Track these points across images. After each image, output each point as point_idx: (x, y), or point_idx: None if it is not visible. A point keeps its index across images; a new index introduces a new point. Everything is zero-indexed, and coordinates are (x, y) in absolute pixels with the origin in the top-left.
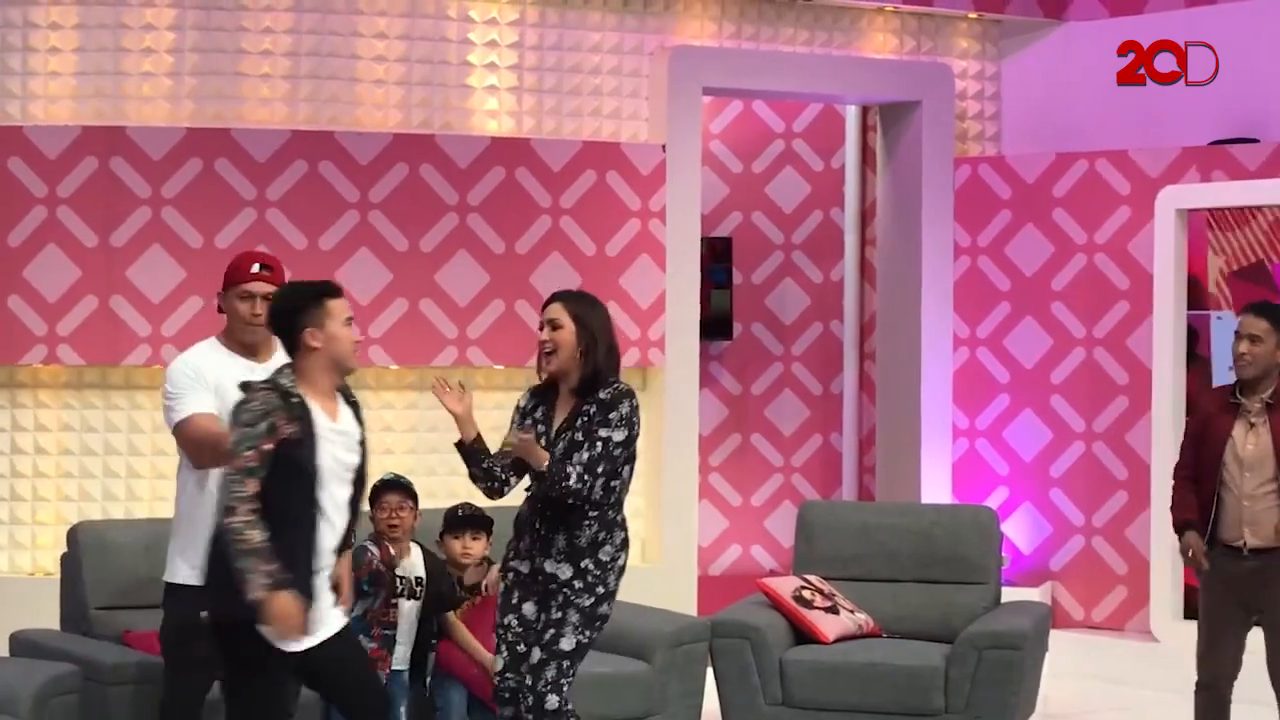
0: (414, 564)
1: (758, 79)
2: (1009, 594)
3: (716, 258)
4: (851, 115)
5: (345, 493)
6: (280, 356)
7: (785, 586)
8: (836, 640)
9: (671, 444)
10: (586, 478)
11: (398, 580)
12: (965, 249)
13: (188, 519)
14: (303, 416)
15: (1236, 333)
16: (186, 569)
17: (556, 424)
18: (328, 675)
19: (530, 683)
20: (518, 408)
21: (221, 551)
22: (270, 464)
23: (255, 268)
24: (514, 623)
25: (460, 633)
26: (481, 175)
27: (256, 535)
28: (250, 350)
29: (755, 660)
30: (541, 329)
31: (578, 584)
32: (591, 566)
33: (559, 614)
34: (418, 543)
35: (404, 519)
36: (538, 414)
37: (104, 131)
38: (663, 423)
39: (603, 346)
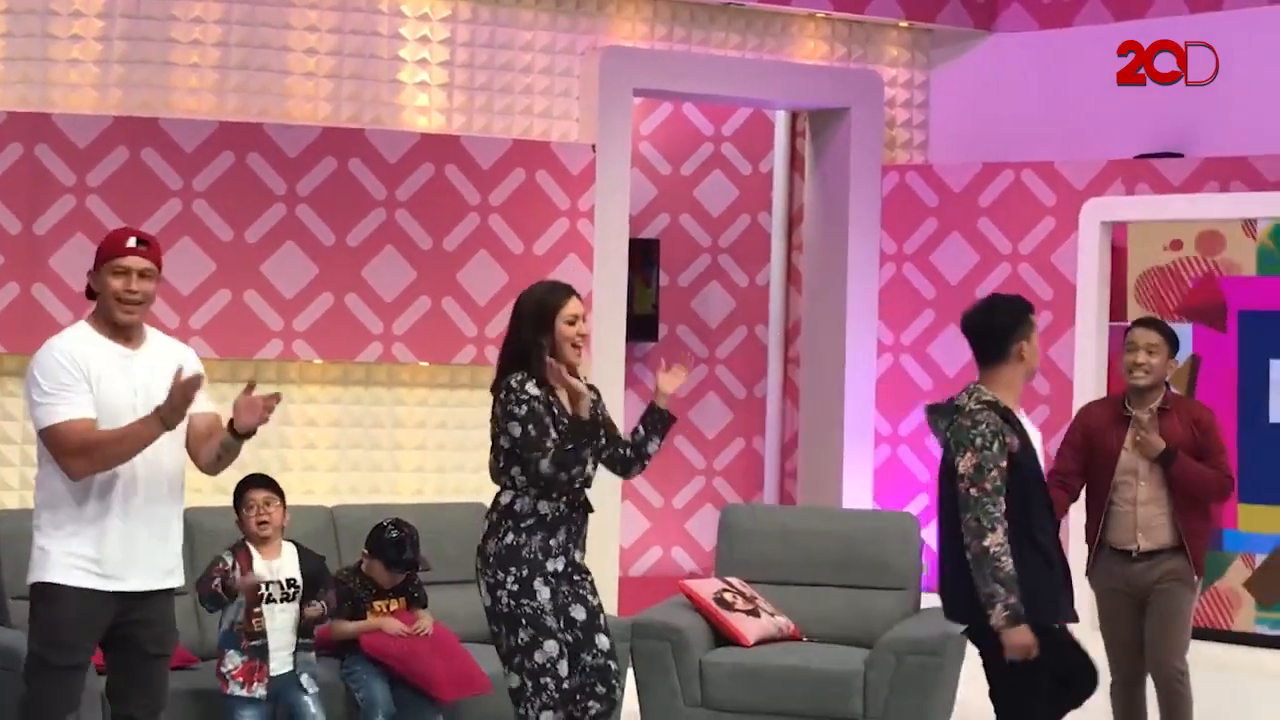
0: (284, 565)
1: (688, 81)
2: (929, 600)
3: (645, 259)
4: (781, 120)
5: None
6: (154, 343)
7: (706, 589)
8: (757, 643)
9: None
10: None
11: (263, 585)
12: (891, 256)
13: (62, 510)
14: (1016, 425)
15: (1131, 344)
16: (67, 569)
17: (585, 414)
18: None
19: (616, 666)
20: (535, 396)
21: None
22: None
23: (132, 242)
24: (569, 626)
25: (341, 627)
26: (410, 171)
27: (1010, 563)
28: (124, 335)
29: (675, 662)
30: (574, 323)
31: (586, 566)
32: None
33: (597, 600)
34: (293, 541)
35: (273, 516)
36: (554, 403)
37: (29, 118)
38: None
39: None
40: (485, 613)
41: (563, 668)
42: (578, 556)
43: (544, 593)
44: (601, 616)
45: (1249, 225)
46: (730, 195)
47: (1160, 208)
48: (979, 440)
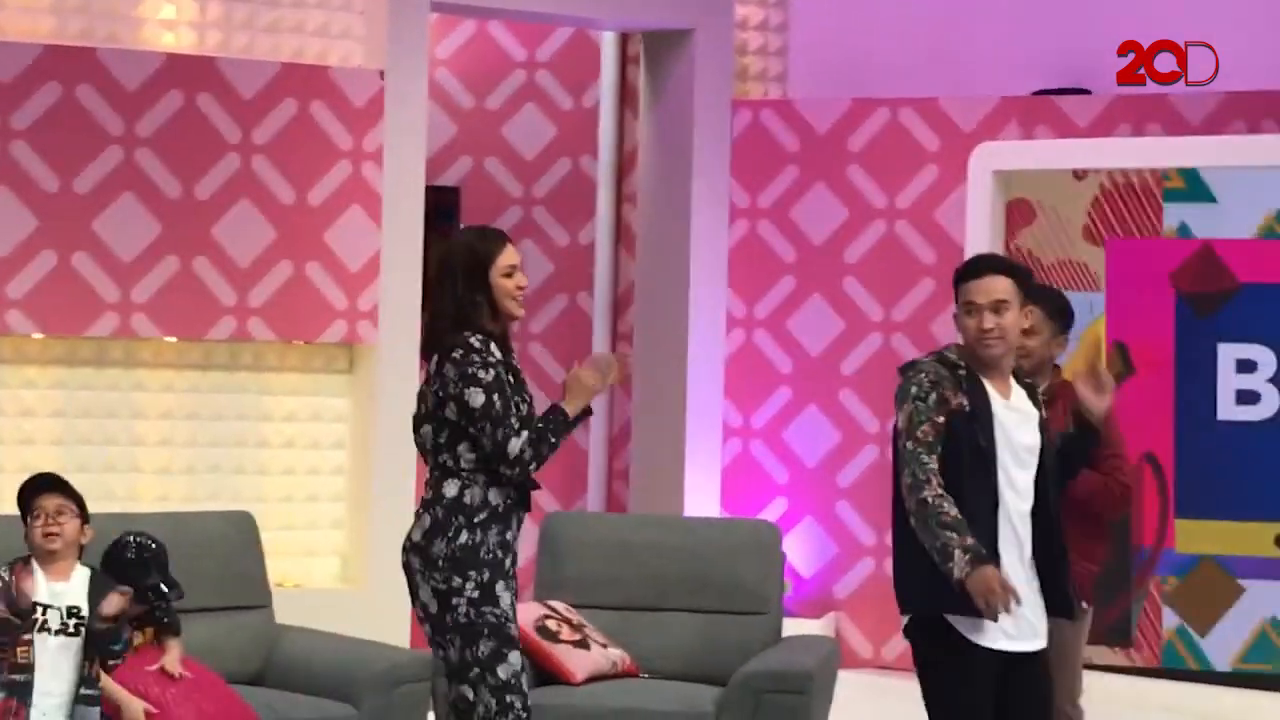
0: (70, 590)
1: None
2: (793, 626)
3: (441, 211)
4: (608, 44)
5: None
6: None
7: (525, 615)
8: (586, 680)
9: (384, 440)
10: None
11: (38, 609)
12: (743, 210)
13: None
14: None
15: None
16: None
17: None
18: (1015, 695)
19: None
20: (500, 361)
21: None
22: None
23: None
24: None
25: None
26: (153, 101)
27: (953, 509)
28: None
29: None
30: (511, 274)
31: None
32: None
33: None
34: (90, 566)
35: (64, 529)
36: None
37: None
38: (374, 413)
39: None
40: (427, 623)
41: (526, 681)
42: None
43: (506, 598)
44: None
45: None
46: (547, 135)
47: (1063, 154)
48: (914, 390)
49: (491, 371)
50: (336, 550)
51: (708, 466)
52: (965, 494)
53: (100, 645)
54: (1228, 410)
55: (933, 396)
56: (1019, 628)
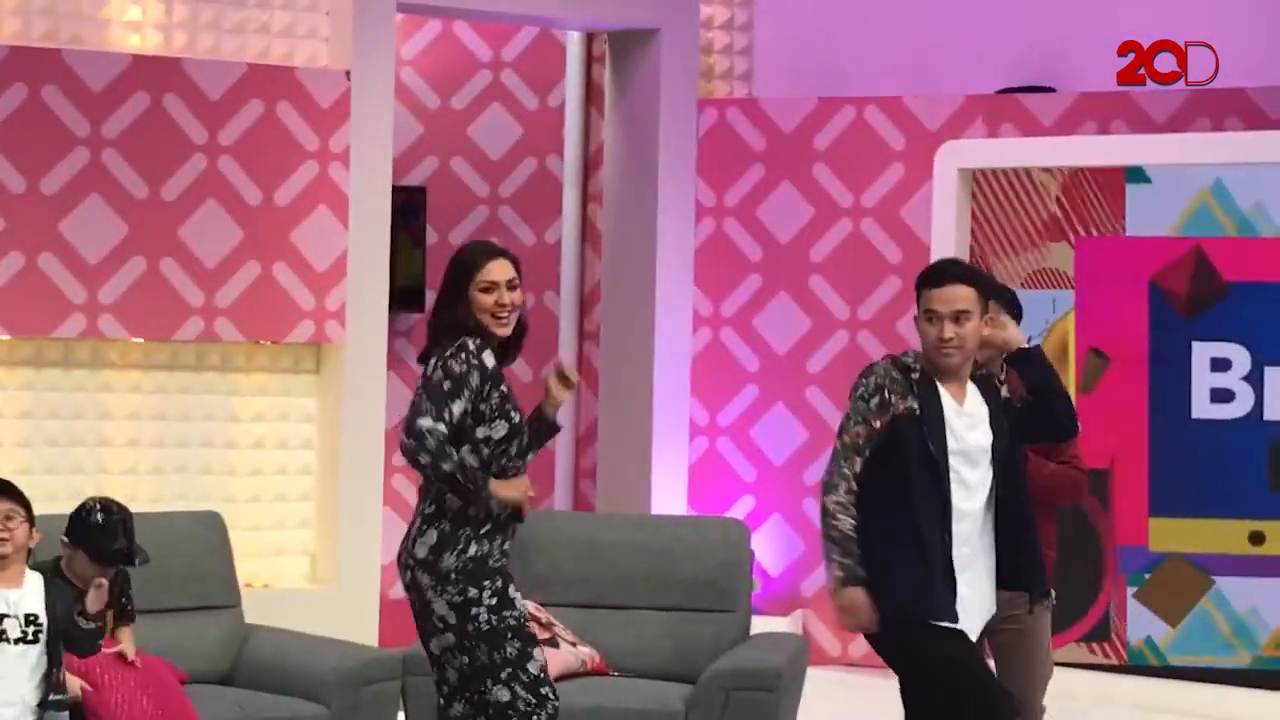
0: (25, 596)
1: None
2: (762, 624)
3: (408, 211)
4: (574, 43)
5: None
6: None
7: None
8: (556, 679)
9: (352, 439)
10: None
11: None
12: (709, 209)
13: None
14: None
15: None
16: None
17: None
18: None
19: None
20: (483, 366)
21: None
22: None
23: None
24: None
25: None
26: (119, 102)
27: (848, 522)
28: None
29: None
30: (490, 290)
31: None
32: None
33: None
34: (37, 568)
35: (14, 533)
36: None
37: None
38: (340, 413)
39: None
40: (449, 633)
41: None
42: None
43: (521, 602)
44: None
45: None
46: (513, 134)
47: (1029, 152)
48: (860, 390)
49: (476, 375)
50: (305, 550)
51: (675, 465)
52: (914, 497)
53: (84, 645)
54: (1202, 408)
55: (875, 400)
56: (965, 619)
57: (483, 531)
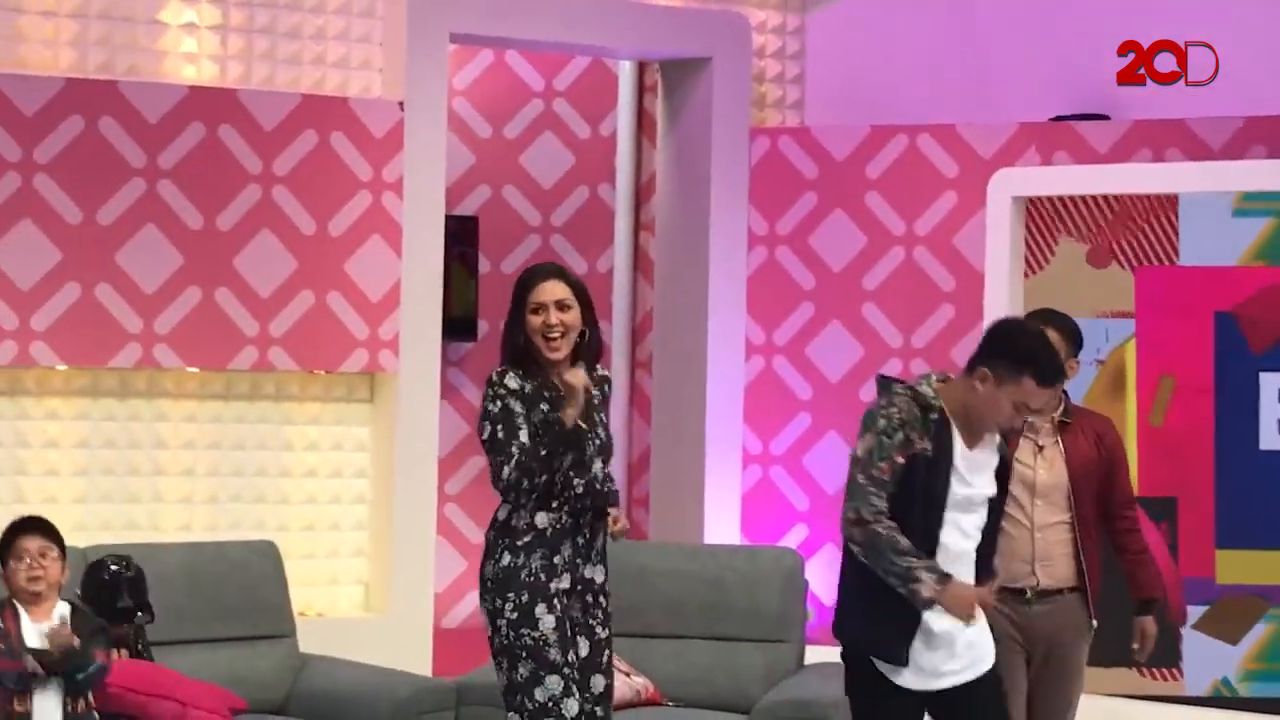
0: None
1: (513, 24)
2: (815, 654)
3: (460, 240)
4: (626, 73)
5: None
6: None
7: None
8: None
9: (405, 468)
10: None
11: (28, 662)
12: (761, 238)
13: None
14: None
15: None
16: None
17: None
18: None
19: (603, 714)
20: (513, 391)
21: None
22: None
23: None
24: (575, 660)
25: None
26: (175, 133)
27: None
28: None
29: None
30: (538, 311)
31: (608, 589)
32: (607, 563)
33: (605, 632)
34: (70, 600)
35: (48, 570)
36: (546, 398)
37: None
38: (393, 442)
39: (597, 323)
40: (491, 644)
41: (569, 707)
42: (590, 573)
43: (547, 621)
44: (606, 654)
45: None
46: (565, 163)
47: (1082, 180)
48: (882, 423)
49: (499, 403)
50: (359, 579)
51: (728, 493)
52: (908, 532)
53: (65, 677)
54: (1270, 439)
55: (899, 435)
56: (962, 659)
57: (521, 543)
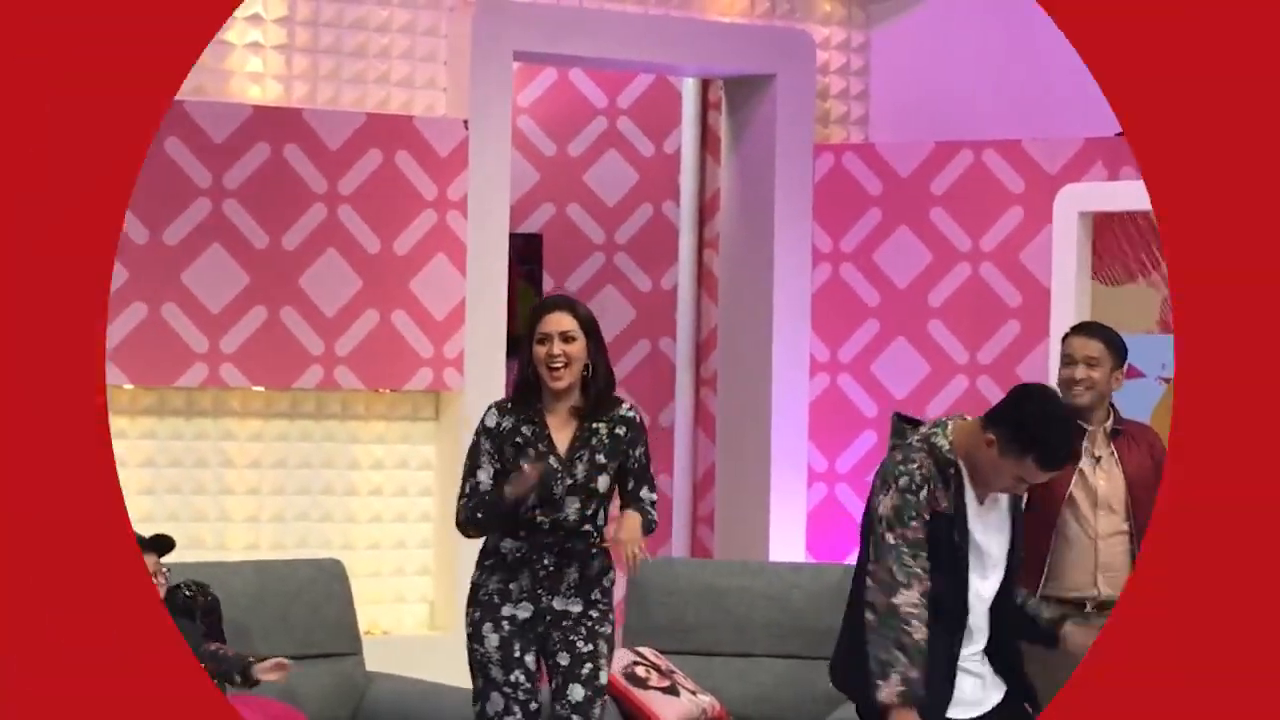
0: None
1: (577, 42)
2: None
3: (525, 258)
4: (690, 90)
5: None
6: None
7: (614, 662)
8: None
9: None
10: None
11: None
12: (826, 255)
13: None
14: (955, 488)
15: (1068, 356)
16: None
17: (562, 447)
18: None
19: None
20: (488, 429)
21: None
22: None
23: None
24: (522, 679)
25: None
26: (240, 153)
27: (922, 631)
28: None
29: None
30: (543, 342)
31: (594, 614)
32: (600, 596)
33: (589, 647)
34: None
35: (162, 590)
36: (526, 434)
37: None
38: (458, 461)
39: (605, 357)
40: None
41: None
42: (562, 605)
43: (492, 639)
44: (589, 666)
45: None
46: (629, 181)
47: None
48: (904, 480)
49: (474, 439)
50: (425, 597)
51: (793, 511)
52: (943, 588)
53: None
54: None
55: (924, 493)
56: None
57: (487, 564)
